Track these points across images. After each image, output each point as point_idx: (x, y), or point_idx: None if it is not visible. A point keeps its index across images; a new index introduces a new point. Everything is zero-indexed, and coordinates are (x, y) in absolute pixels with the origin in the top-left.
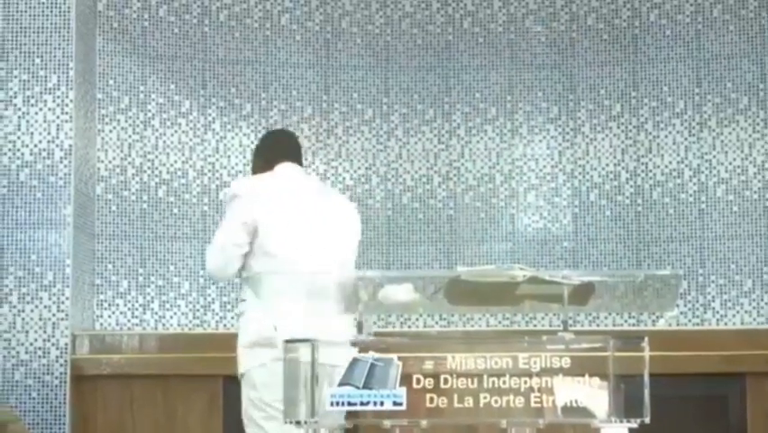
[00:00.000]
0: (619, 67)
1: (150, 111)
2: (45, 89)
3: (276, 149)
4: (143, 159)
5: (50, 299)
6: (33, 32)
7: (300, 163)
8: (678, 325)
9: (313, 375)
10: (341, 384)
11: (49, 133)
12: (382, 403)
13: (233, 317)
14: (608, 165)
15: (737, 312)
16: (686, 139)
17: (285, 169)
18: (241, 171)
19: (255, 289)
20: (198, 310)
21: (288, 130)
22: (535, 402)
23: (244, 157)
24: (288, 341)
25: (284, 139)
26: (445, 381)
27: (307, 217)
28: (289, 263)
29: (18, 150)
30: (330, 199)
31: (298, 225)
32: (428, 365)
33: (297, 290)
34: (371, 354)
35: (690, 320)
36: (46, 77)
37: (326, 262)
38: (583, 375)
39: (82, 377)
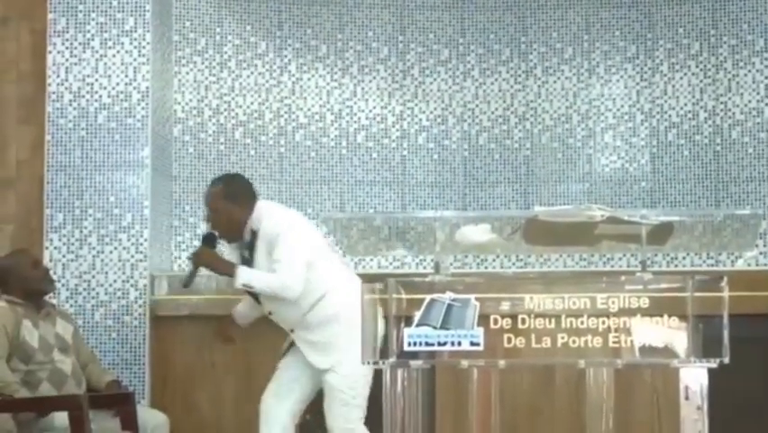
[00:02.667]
0: (698, 5)
1: (226, 53)
2: (122, 32)
3: (251, 188)
4: (220, 101)
5: (128, 240)
6: None
7: None
8: (757, 265)
9: (389, 316)
10: (418, 325)
11: (126, 76)
12: (460, 343)
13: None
14: (686, 104)
15: None
16: (766, 78)
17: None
18: (317, 113)
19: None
20: None
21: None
22: (613, 343)
23: (320, 99)
24: (364, 282)
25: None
26: (523, 321)
27: None
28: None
29: (96, 92)
30: None
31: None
32: (505, 306)
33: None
34: (449, 295)
35: None
36: (123, 19)
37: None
38: (662, 316)
39: (161, 318)
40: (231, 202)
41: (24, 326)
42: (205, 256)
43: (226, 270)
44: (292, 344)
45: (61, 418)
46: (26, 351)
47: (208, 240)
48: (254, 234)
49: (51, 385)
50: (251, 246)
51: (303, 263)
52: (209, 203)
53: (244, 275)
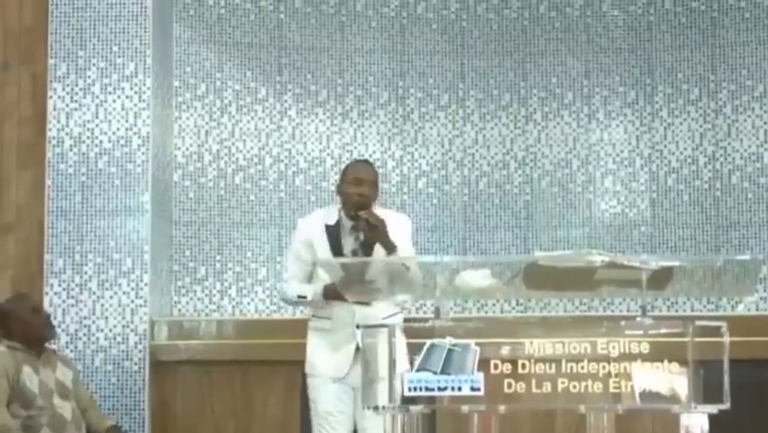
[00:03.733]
0: (697, 50)
1: (226, 98)
2: (123, 77)
3: None
4: (220, 145)
5: (128, 285)
6: (111, 20)
7: None
8: (758, 310)
9: (391, 360)
10: (418, 369)
11: (126, 121)
12: (460, 389)
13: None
14: (685, 149)
15: None
16: (765, 123)
17: None
18: (317, 158)
19: None
20: (275, 296)
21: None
22: (614, 388)
23: (320, 143)
24: (365, 327)
25: None
26: (523, 366)
27: None
28: None
29: (96, 137)
30: None
31: None
32: (506, 350)
33: None
34: (449, 340)
35: None
36: (123, 64)
37: None
38: (662, 361)
39: (161, 363)
40: (377, 187)
41: (24, 371)
42: (382, 224)
43: (389, 244)
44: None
45: None
46: (27, 396)
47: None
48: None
49: (51, 431)
50: (371, 230)
51: None
52: (369, 179)
53: (403, 254)
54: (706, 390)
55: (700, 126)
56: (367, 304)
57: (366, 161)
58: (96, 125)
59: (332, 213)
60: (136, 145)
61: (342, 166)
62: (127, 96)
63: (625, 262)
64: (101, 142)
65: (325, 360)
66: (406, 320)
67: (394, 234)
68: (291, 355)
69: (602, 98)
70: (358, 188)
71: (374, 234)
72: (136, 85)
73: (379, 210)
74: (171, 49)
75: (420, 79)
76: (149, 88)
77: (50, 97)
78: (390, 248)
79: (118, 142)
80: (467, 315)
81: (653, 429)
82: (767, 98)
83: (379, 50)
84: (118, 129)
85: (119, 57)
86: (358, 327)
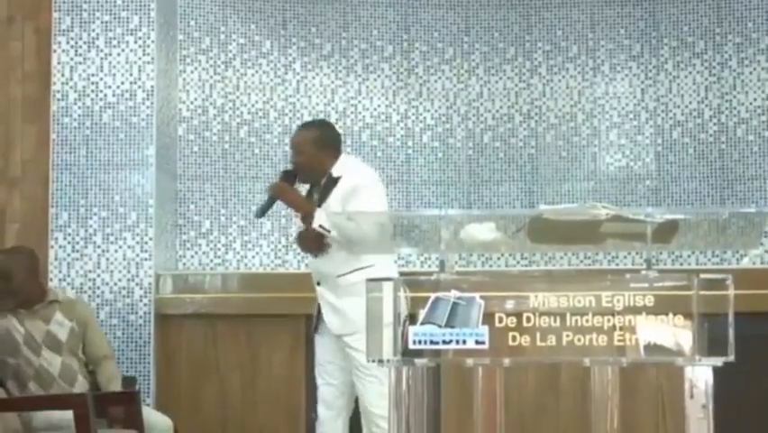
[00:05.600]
0: (703, 3)
1: (230, 51)
2: (127, 31)
3: (339, 141)
4: (225, 99)
5: (133, 239)
6: None
7: None
8: (762, 263)
9: (396, 314)
10: (423, 323)
11: (131, 75)
12: (464, 342)
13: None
14: (691, 103)
15: None
16: None
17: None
18: (321, 111)
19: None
20: (280, 250)
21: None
22: (618, 341)
23: (325, 97)
24: (370, 280)
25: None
26: (528, 319)
27: None
28: None
29: (101, 91)
30: None
31: None
32: (510, 304)
33: None
34: (453, 293)
35: None
36: (127, 18)
37: None
38: (667, 314)
39: (166, 316)
40: (317, 149)
41: (10, 321)
42: (284, 189)
43: (304, 208)
44: (318, 313)
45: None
46: (7, 344)
47: (287, 176)
48: (334, 181)
49: (38, 384)
50: (324, 191)
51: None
52: (296, 143)
53: (322, 216)
54: (710, 343)
55: (706, 79)
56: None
57: (301, 126)
58: (101, 79)
59: None
60: (140, 99)
61: (347, 121)
62: (131, 50)
63: (630, 216)
64: (105, 96)
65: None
66: (409, 274)
67: (334, 196)
68: (296, 309)
69: (607, 51)
70: (293, 157)
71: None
72: (140, 38)
73: (343, 165)
74: (175, 2)
75: (425, 33)
76: (153, 42)
77: (55, 51)
78: (308, 213)
79: (122, 95)
80: (471, 268)
81: (658, 382)
82: None
83: (383, 4)
84: (122, 83)
85: (123, 10)
86: (318, 283)
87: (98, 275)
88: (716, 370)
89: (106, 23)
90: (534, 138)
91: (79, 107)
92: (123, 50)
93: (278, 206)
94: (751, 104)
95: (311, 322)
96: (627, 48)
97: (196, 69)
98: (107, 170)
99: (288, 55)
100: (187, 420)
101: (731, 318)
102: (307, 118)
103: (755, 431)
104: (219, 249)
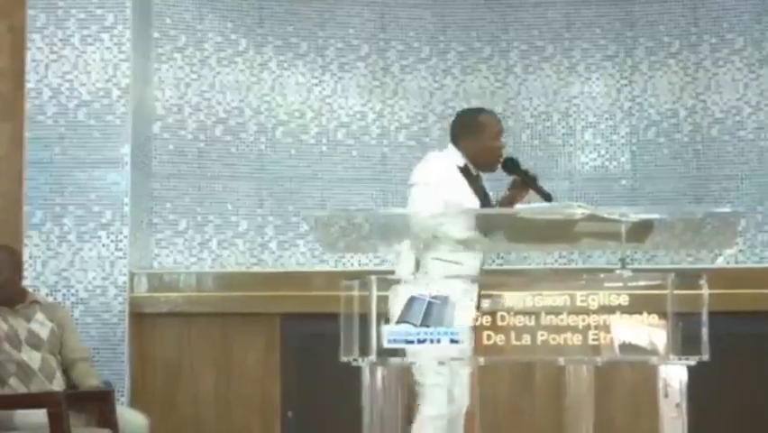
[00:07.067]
0: (678, 3)
1: (206, 50)
2: (102, 28)
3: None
4: (200, 98)
5: (108, 237)
6: None
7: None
8: (737, 263)
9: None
10: (399, 322)
11: (106, 73)
12: (440, 341)
13: (290, 256)
14: (666, 103)
15: None
16: (745, 76)
17: None
18: (297, 110)
19: None
20: (256, 249)
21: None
22: (593, 340)
23: (300, 95)
24: (345, 278)
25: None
26: (502, 318)
27: None
28: None
29: (76, 89)
30: None
31: None
32: (485, 303)
33: None
34: (429, 292)
35: (748, 258)
36: (103, 16)
37: None
38: (641, 313)
39: (140, 315)
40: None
41: None
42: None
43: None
44: None
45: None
46: None
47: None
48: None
49: (18, 379)
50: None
51: None
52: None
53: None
54: (685, 342)
55: (681, 79)
56: None
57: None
58: (76, 77)
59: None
60: (116, 97)
61: (323, 119)
62: (106, 48)
63: (604, 215)
64: (80, 93)
65: None
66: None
67: None
68: (271, 308)
69: (583, 51)
70: (501, 141)
71: (531, 186)
72: (115, 36)
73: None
74: (151, 0)
75: (401, 32)
76: (128, 40)
77: (29, 49)
78: (547, 196)
79: (97, 93)
80: None
81: (633, 381)
82: (747, 52)
83: (359, 2)
84: (97, 81)
85: (98, 8)
86: None
87: (73, 274)
88: (690, 369)
89: (81, 20)
90: (510, 137)
91: (54, 105)
92: (98, 48)
93: (255, 204)
94: (725, 104)
95: (285, 321)
96: (603, 47)
97: (171, 67)
98: (82, 169)
99: (264, 53)
100: (161, 419)
101: (705, 318)
102: (283, 117)
103: (729, 431)
104: (194, 248)
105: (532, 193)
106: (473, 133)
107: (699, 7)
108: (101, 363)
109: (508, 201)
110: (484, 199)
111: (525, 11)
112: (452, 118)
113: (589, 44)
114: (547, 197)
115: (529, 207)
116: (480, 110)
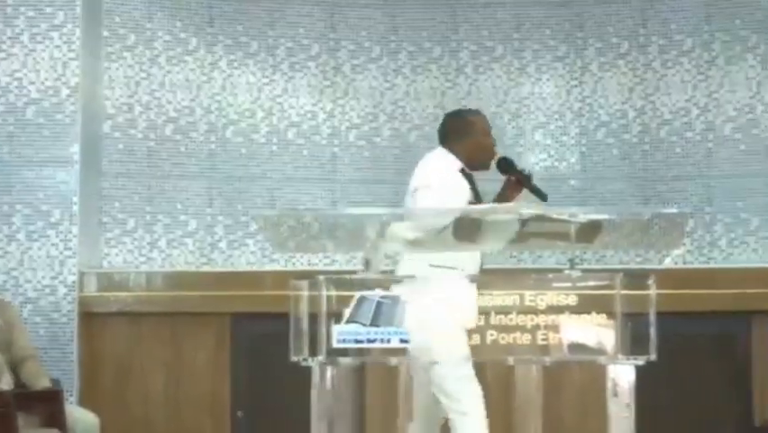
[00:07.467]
0: (627, 5)
1: (156, 48)
2: (51, 26)
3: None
4: (150, 97)
5: (57, 236)
6: None
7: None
8: (684, 263)
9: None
10: (348, 322)
11: (55, 71)
12: (389, 341)
13: (239, 256)
14: (615, 103)
15: (744, 251)
16: (693, 78)
17: None
18: (248, 109)
19: None
20: (206, 249)
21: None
22: (542, 340)
23: (251, 95)
24: (295, 278)
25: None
26: None
27: None
28: None
29: (25, 87)
30: None
31: None
32: None
33: None
34: (378, 292)
35: (696, 259)
36: (52, 14)
37: None
38: (590, 313)
39: (90, 314)
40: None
41: None
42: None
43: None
44: None
45: None
46: None
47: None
48: None
49: None
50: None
51: None
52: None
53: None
54: (633, 342)
55: (630, 80)
56: None
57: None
58: (25, 75)
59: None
60: (65, 96)
61: (273, 119)
62: (56, 46)
63: (554, 215)
64: (29, 92)
65: None
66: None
67: None
68: (221, 308)
69: (533, 52)
70: (492, 138)
71: (526, 186)
72: (65, 34)
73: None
74: None
75: (351, 32)
76: (78, 38)
77: None
78: (542, 195)
79: (47, 92)
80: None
81: (581, 381)
82: (695, 53)
83: (309, 2)
84: (47, 79)
85: (48, 6)
86: None
87: (21, 273)
88: (638, 369)
89: (31, 18)
90: None
91: (2, 103)
92: (47, 47)
93: (205, 203)
94: (674, 105)
95: (235, 320)
96: (553, 48)
97: (121, 65)
98: (31, 167)
99: (215, 53)
100: (111, 419)
101: (653, 318)
102: (233, 116)
103: (677, 430)
104: (144, 247)
105: (525, 192)
106: (465, 133)
107: (648, 9)
108: (50, 362)
109: (502, 201)
110: (481, 200)
111: (475, 11)
112: (440, 121)
113: (539, 45)
114: (543, 196)
115: (478, 207)
116: (467, 110)
